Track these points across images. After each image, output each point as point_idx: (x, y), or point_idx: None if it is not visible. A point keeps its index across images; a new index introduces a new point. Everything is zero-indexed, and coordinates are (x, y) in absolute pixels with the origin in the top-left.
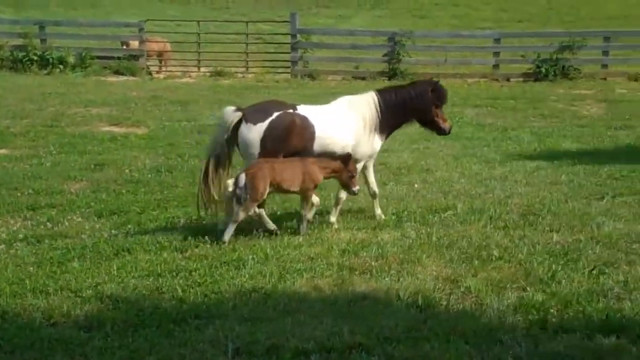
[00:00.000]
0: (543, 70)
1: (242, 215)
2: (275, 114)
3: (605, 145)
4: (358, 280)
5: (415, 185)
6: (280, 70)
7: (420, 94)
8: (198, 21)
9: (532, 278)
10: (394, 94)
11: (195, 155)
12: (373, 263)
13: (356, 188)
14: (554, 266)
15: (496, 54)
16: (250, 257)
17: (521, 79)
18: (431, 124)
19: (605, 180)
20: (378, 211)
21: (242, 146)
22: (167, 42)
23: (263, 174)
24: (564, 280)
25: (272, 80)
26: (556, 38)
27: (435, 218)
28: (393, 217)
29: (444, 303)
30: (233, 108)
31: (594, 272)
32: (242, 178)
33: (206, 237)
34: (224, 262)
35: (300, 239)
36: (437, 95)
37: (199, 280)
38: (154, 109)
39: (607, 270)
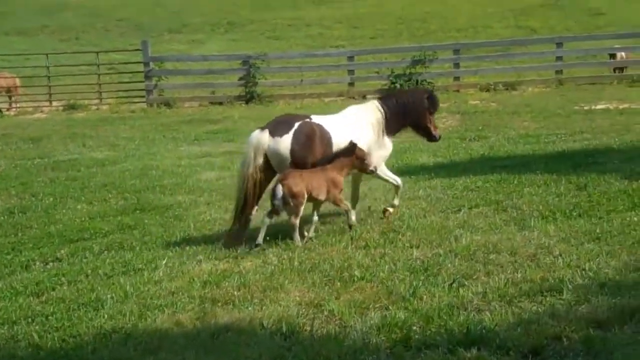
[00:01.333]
0: (397, 85)
1: (296, 221)
2: (297, 124)
3: (461, 157)
4: (221, 312)
5: None
6: (135, 99)
7: (417, 100)
8: (47, 54)
9: (394, 296)
10: (395, 101)
11: (50, 194)
12: (235, 293)
13: (373, 166)
14: (414, 282)
15: (351, 71)
16: (109, 296)
17: (377, 96)
18: (424, 130)
19: (462, 193)
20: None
21: (274, 159)
22: (16, 77)
23: (297, 180)
24: (425, 296)
25: (128, 111)
26: (408, 53)
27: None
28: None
29: (308, 328)
30: (258, 130)
31: (454, 285)
32: (279, 189)
33: (62, 279)
34: (82, 304)
35: (161, 273)
36: (432, 102)
37: (56, 325)
38: (5, 148)
39: (466, 283)
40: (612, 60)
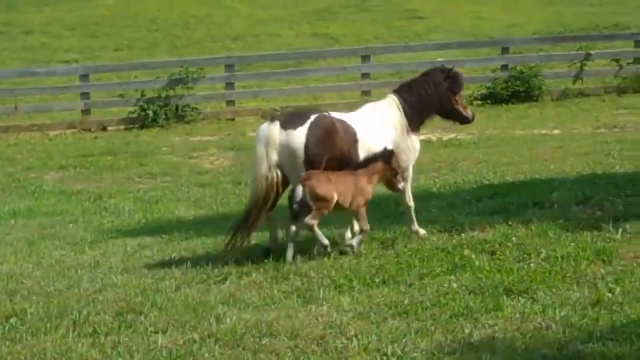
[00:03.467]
0: (150, 112)
1: (313, 222)
2: (313, 117)
3: (232, 208)
4: None
5: None
6: None
7: (434, 84)
8: None
9: None
10: (411, 92)
11: None
12: None
13: (401, 185)
14: None
15: (85, 94)
16: None
17: (122, 127)
18: (452, 114)
19: (229, 256)
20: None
21: (284, 156)
22: None
23: (322, 181)
24: None
25: None
26: (165, 69)
27: None
28: None
29: None
30: (267, 122)
31: None
32: (299, 191)
33: None
34: None
35: None
36: (453, 81)
37: None
38: None
39: None
40: None
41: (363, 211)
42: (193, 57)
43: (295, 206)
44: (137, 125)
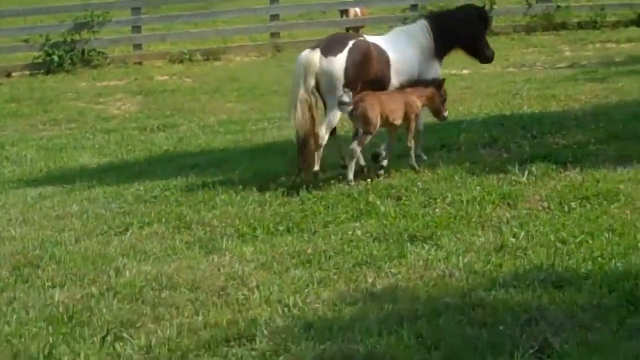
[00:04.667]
0: (56, 57)
1: (358, 150)
2: (351, 43)
3: (137, 155)
4: None
5: None
6: None
7: (467, 18)
8: None
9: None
10: (444, 21)
11: None
12: None
13: (446, 113)
14: (52, 338)
15: None
16: None
17: (27, 72)
18: (477, 50)
19: (132, 206)
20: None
21: (325, 81)
22: None
23: (373, 105)
24: (66, 357)
25: None
26: (70, 14)
27: None
28: None
29: None
30: (308, 50)
31: (108, 338)
32: (347, 103)
33: None
34: None
35: None
36: (483, 20)
37: None
38: None
39: (125, 334)
40: (343, 18)
41: (414, 126)
42: (98, 0)
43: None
44: (42, 71)
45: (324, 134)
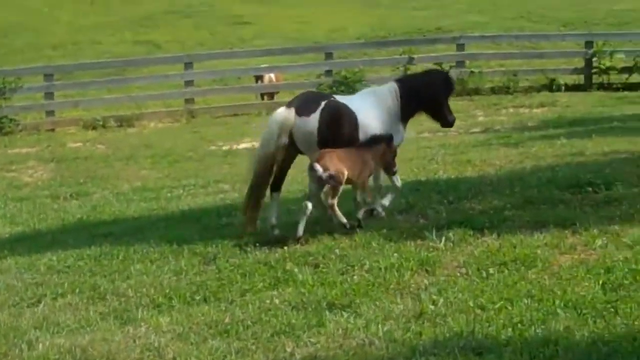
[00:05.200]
0: None
1: (333, 200)
2: (323, 103)
3: (50, 224)
4: None
5: None
6: None
7: (432, 84)
8: None
9: None
10: (411, 84)
11: None
12: None
13: (396, 167)
14: None
15: None
16: None
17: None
18: (439, 115)
19: (45, 276)
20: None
21: (302, 139)
22: None
23: (335, 160)
24: None
25: None
26: None
27: None
28: None
29: None
30: (283, 108)
31: None
32: (318, 167)
33: None
34: None
35: None
36: (447, 85)
37: None
38: None
39: None
40: (258, 83)
41: (367, 184)
42: (9, 67)
43: (324, 177)
44: None
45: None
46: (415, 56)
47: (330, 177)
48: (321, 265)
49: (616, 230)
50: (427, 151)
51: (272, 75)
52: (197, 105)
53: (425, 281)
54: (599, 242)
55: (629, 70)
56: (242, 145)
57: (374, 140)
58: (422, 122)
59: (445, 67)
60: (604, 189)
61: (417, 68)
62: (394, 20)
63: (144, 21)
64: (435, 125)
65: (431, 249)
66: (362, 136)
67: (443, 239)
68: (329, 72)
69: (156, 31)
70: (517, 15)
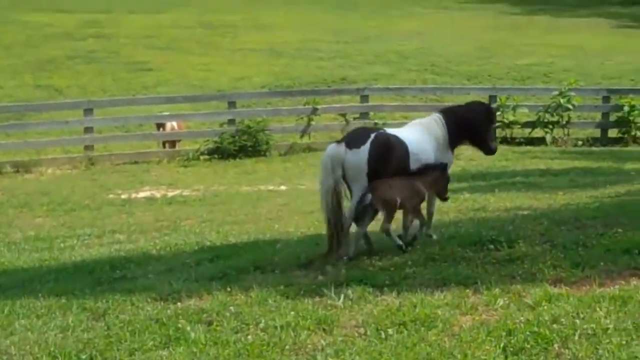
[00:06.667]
0: None
1: (389, 226)
2: (373, 135)
3: None
4: None
5: None
6: None
7: (477, 114)
8: None
9: None
10: (456, 115)
11: None
12: None
13: (447, 194)
14: None
15: None
16: None
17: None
18: (482, 142)
19: None
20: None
21: (352, 172)
22: None
23: (387, 188)
24: None
25: None
26: None
27: None
28: None
29: None
30: (335, 143)
31: None
32: (369, 198)
33: None
34: None
35: None
36: (489, 115)
37: None
38: None
39: None
40: (160, 131)
41: (419, 211)
42: None
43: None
44: None
45: (348, 219)
46: (319, 107)
47: (385, 203)
48: (215, 323)
49: (518, 289)
50: None
51: (174, 124)
52: (97, 152)
53: (322, 341)
54: (500, 302)
55: (531, 124)
56: (142, 194)
57: (428, 168)
58: None
59: (349, 118)
60: (506, 247)
61: (320, 119)
62: (299, 70)
63: (45, 65)
64: None
65: (329, 307)
66: (414, 166)
67: (342, 296)
68: (232, 121)
69: (58, 75)
70: (422, 68)
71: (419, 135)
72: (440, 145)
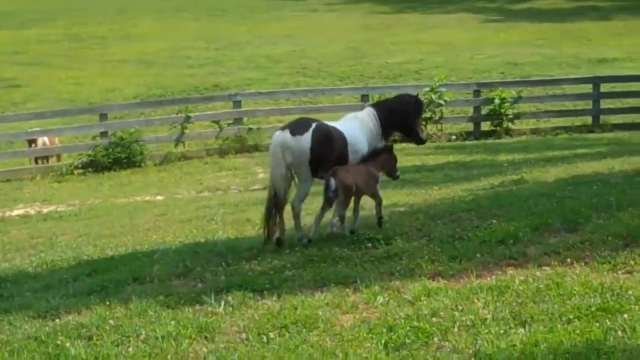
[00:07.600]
0: None
1: (343, 210)
2: (314, 125)
3: None
4: None
5: None
6: None
7: (405, 105)
8: None
9: None
10: (387, 107)
11: None
12: None
13: (398, 172)
14: None
15: None
16: None
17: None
18: (412, 132)
19: None
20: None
21: (295, 158)
22: None
23: (347, 175)
24: None
25: None
26: None
27: None
28: None
29: None
30: (279, 131)
31: None
32: (333, 182)
33: None
34: None
35: None
36: (417, 106)
37: None
38: None
39: None
40: (32, 147)
41: (378, 192)
42: None
43: (330, 194)
44: None
45: (298, 205)
46: (192, 114)
47: (345, 187)
48: (95, 338)
49: (397, 285)
50: (206, 211)
51: (46, 139)
52: None
53: (205, 349)
54: (380, 299)
55: None
56: (16, 212)
57: (376, 153)
58: (201, 182)
59: (223, 125)
60: (383, 244)
61: (194, 127)
62: (171, 79)
63: None
64: (215, 183)
65: (210, 314)
66: (351, 155)
67: (222, 303)
68: (104, 134)
69: None
70: (294, 71)
71: (355, 127)
72: (373, 135)
